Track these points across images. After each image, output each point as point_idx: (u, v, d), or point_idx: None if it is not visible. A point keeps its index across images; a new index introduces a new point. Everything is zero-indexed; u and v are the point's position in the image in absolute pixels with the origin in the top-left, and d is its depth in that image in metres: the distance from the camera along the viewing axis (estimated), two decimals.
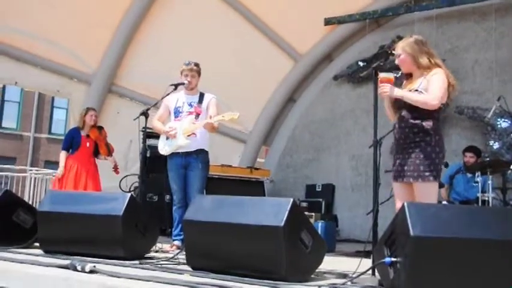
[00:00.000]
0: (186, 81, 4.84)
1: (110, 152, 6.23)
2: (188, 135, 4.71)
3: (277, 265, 2.83)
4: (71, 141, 6.15)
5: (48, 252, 3.75)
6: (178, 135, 4.71)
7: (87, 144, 6.15)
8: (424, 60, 3.47)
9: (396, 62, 3.59)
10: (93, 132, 6.19)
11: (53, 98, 19.99)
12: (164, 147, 4.83)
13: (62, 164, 6.07)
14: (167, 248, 4.50)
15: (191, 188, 4.71)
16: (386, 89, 3.42)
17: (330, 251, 4.69)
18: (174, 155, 4.78)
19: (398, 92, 3.43)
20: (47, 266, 3.08)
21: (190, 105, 4.84)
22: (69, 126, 7.89)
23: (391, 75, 3.47)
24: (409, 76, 3.63)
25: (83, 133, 6.19)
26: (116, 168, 6.26)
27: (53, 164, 15.86)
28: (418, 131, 3.38)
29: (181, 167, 4.76)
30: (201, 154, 4.80)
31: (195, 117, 4.78)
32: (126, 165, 7.45)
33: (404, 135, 3.43)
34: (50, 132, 20.81)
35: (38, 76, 7.38)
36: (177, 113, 4.86)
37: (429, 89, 3.40)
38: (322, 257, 3.14)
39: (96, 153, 6.27)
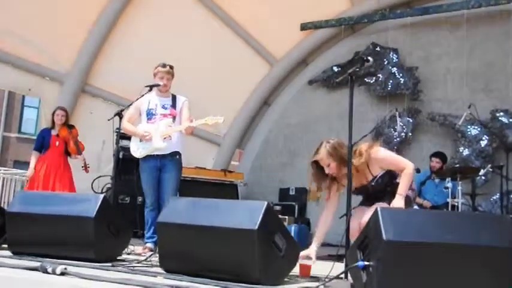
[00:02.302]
0: (161, 84, 4.80)
1: (79, 150, 6.14)
2: (164, 138, 4.69)
3: (251, 268, 2.83)
4: (42, 142, 6.10)
5: (17, 253, 3.65)
6: (154, 138, 4.67)
7: (57, 143, 6.10)
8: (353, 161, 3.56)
9: (328, 171, 3.64)
10: (62, 131, 6.13)
11: (23, 97, 19.57)
12: (138, 150, 4.77)
13: (31, 164, 6.05)
14: (139, 251, 4.45)
15: (165, 190, 4.67)
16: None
17: None
18: (148, 157, 4.73)
19: (401, 202, 3.50)
20: (16, 268, 3.00)
21: (163, 107, 4.81)
22: (41, 125, 7.76)
23: (310, 263, 3.46)
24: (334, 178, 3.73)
25: (53, 132, 6.13)
26: (85, 167, 6.17)
27: (22, 164, 15.53)
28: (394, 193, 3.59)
29: (156, 170, 4.72)
30: (176, 156, 4.78)
31: (172, 120, 4.75)
32: (99, 166, 7.34)
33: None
34: (19, 132, 20.36)
35: (9, 74, 7.21)
36: (150, 115, 4.80)
37: (395, 168, 3.63)
38: (295, 261, 3.16)
39: (67, 152, 6.19)
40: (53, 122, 6.16)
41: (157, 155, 4.70)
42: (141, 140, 4.74)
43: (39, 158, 6.06)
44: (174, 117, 4.78)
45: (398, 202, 3.50)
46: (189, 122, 4.61)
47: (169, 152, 4.72)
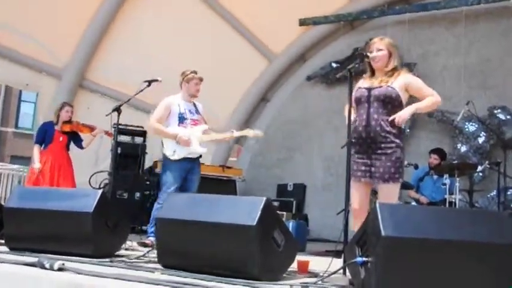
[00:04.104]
0: (159, 79, 4.82)
1: (92, 127, 6.12)
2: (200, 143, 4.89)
3: (250, 264, 2.84)
4: (44, 135, 6.05)
5: (15, 249, 3.65)
6: (193, 143, 4.81)
7: (60, 138, 6.07)
8: (393, 63, 3.59)
9: (373, 54, 3.58)
10: (65, 126, 6.10)
11: (20, 92, 19.50)
12: (175, 153, 4.80)
13: (36, 158, 5.95)
14: (147, 241, 4.52)
15: (192, 191, 4.80)
16: (403, 118, 3.44)
17: (300, 250, 4.71)
18: (183, 159, 4.82)
19: (410, 110, 3.48)
20: (14, 264, 2.99)
21: (190, 112, 4.96)
22: (38, 120, 7.72)
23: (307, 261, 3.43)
24: (369, 73, 3.66)
25: (57, 127, 6.10)
26: (108, 133, 6.15)
27: (19, 159, 15.48)
28: (390, 132, 3.44)
29: (185, 171, 4.84)
30: (199, 159, 4.98)
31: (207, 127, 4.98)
32: (96, 162, 7.32)
33: (374, 134, 3.45)
34: (16, 127, 20.31)
35: (6, 69, 7.18)
36: (181, 119, 4.89)
37: (424, 92, 3.58)
38: (294, 256, 3.16)
39: (68, 145, 6.16)
40: (58, 117, 6.11)
41: (190, 158, 4.84)
42: (177, 143, 4.78)
43: (41, 152, 6.02)
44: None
45: (408, 112, 3.43)
46: (230, 132, 5.01)
47: (197, 156, 4.92)
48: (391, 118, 3.42)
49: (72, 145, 6.23)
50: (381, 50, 3.58)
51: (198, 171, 4.94)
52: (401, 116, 3.41)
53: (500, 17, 7.54)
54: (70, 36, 7.29)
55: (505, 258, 2.51)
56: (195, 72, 4.97)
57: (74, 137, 6.20)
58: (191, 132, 4.84)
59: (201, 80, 4.98)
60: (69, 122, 6.16)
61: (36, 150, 6.01)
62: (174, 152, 4.79)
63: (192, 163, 4.88)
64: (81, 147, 6.24)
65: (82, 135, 6.24)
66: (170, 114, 4.88)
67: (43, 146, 6.06)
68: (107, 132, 6.14)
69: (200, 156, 4.98)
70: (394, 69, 3.58)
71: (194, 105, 5.02)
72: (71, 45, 7.37)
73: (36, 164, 5.92)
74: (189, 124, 4.88)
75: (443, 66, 7.90)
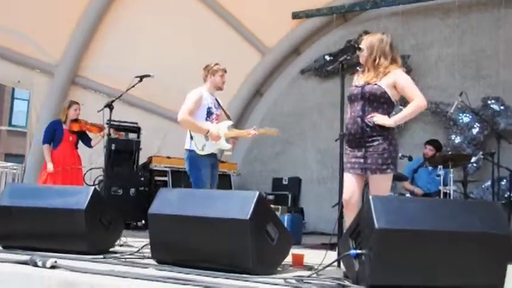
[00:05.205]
0: (151, 74, 4.78)
1: (101, 127, 6.02)
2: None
3: (244, 258, 2.83)
4: (53, 135, 6.00)
5: (7, 247, 3.63)
6: (222, 138, 4.79)
7: (70, 138, 6.04)
8: (382, 61, 3.56)
9: (357, 54, 3.61)
10: (74, 126, 6.05)
11: (13, 89, 19.38)
12: (204, 148, 4.73)
13: (49, 158, 5.89)
14: None
15: (214, 186, 4.80)
16: (379, 123, 3.45)
17: (296, 244, 4.73)
18: (209, 155, 4.79)
19: (391, 122, 3.47)
20: (6, 262, 2.97)
21: (215, 106, 4.89)
22: (31, 118, 7.68)
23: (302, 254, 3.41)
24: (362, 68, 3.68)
25: (65, 126, 6.05)
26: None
27: (13, 157, 15.41)
28: (375, 126, 3.46)
29: (211, 167, 4.80)
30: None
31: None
32: (90, 158, 7.29)
33: (362, 130, 3.48)
34: (10, 124, 20.21)
35: None
36: (209, 113, 4.81)
37: (408, 92, 3.53)
38: (288, 250, 3.16)
39: (77, 144, 6.15)
40: (66, 116, 6.05)
41: (214, 153, 4.82)
42: (207, 139, 4.72)
43: (52, 152, 5.94)
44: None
45: (387, 121, 3.43)
46: (253, 129, 4.91)
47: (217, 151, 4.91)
48: (373, 116, 3.45)
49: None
50: (362, 49, 3.60)
51: (218, 165, 4.96)
52: (380, 120, 3.43)
53: (492, 7, 7.53)
54: (61, 32, 7.23)
55: (498, 248, 2.51)
56: (218, 64, 4.91)
57: (83, 136, 6.17)
58: (218, 128, 4.79)
59: (225, 71, 4.91)
60: (77, 121, 6.12)
61: (47, 151, 5.94)
62: (204, 147, 4.71)
63: (215, 158, 4.87)
64: (90, 146, 6.22)
65: (91, 134, 6.21)
66: (199, 108, 4.77)
67: (52, 145, 5.99)
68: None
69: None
70: (380, 65, 3.55)
71: (215, 99, 4.95)
72: (62, 41, 7.30)
73: (49, 165, 5.87)
74: (215, 118, 4.84)
75: (438, 57, 7.89)
